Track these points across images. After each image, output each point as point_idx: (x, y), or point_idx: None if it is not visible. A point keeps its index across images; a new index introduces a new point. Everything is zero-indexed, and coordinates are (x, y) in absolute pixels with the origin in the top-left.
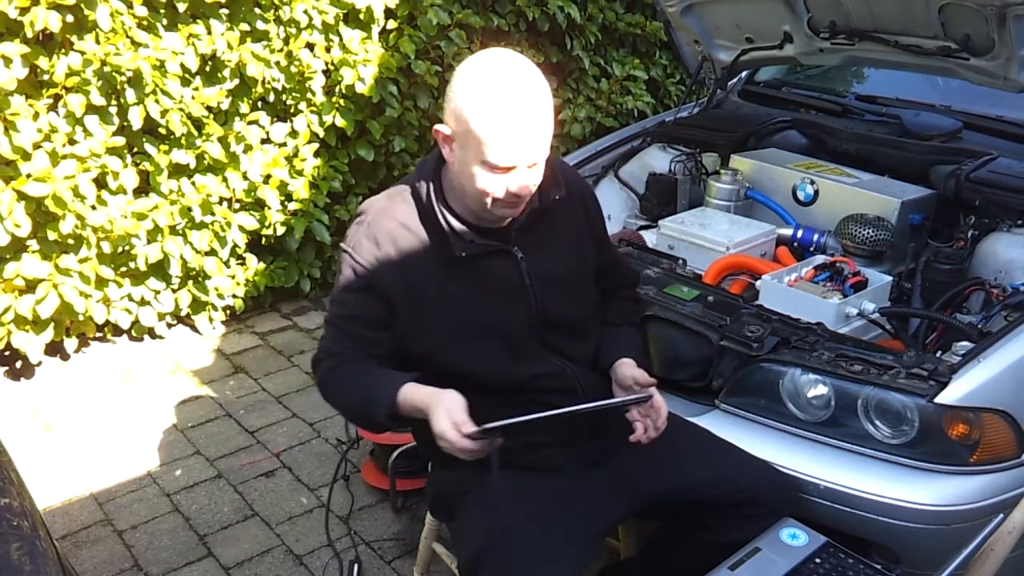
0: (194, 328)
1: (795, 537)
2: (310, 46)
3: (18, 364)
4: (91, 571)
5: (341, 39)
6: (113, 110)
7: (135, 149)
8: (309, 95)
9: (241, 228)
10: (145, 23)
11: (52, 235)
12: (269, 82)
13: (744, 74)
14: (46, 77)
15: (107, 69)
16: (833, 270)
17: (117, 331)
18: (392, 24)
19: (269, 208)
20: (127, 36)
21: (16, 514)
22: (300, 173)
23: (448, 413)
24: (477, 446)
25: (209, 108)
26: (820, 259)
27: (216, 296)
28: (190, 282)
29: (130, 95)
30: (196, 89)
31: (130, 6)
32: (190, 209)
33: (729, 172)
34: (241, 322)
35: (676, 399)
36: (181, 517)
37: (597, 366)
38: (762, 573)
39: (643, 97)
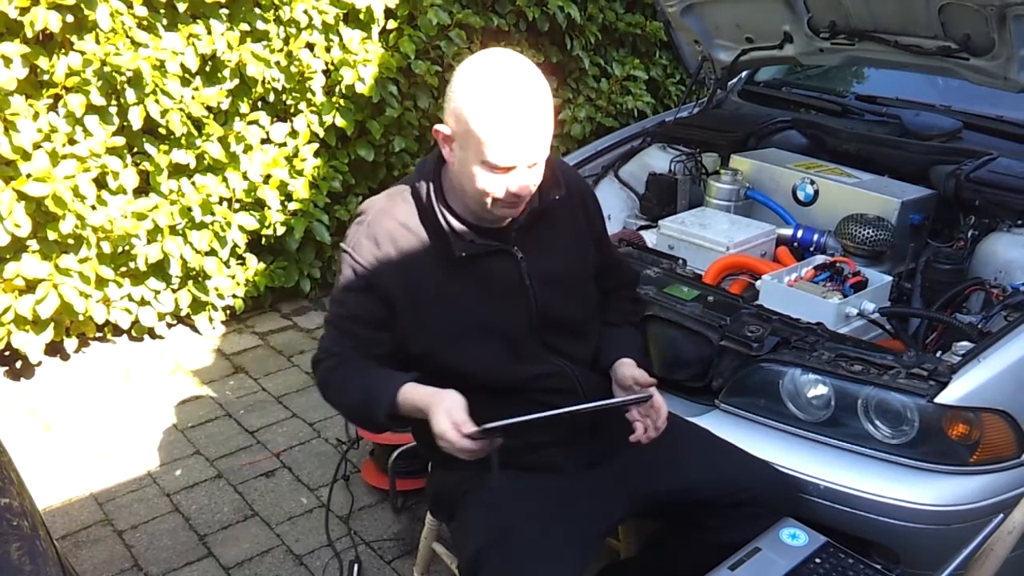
0: (194, 328)
1: (795, 537)
2: (310, 46)
3: (18, 364)
4: (91, 571)
5: (341, 39)
6: (113, 110)
7: (135, 149)
8: (309, 95)
9: (241, 228)
10: (145, 23)
11: (52, 235)
12: (269, 82)
13: (744, 74)
14: (46, 77)
15: (107, 69)
16: (833, 270)
17: (117, 331)
18: (392, 24)
19: (269, 208)
20: (127, 36)
21: (16, 514)
22: (300, 173)
23: (448, 413)
24: (477, 446)
25: (209, 108)
26: (820, 259)
27: (216, 296)
28: (190, 282)
29: (130, 95)
30: (196, 89)
31: (130, 6)
32: (190, 209)
33: (729, 172)
34: (241, 322)
35: (676, 399)
36: (181, 517)
37: (597, 366)
38: (762, 573)
39: (643, 97)
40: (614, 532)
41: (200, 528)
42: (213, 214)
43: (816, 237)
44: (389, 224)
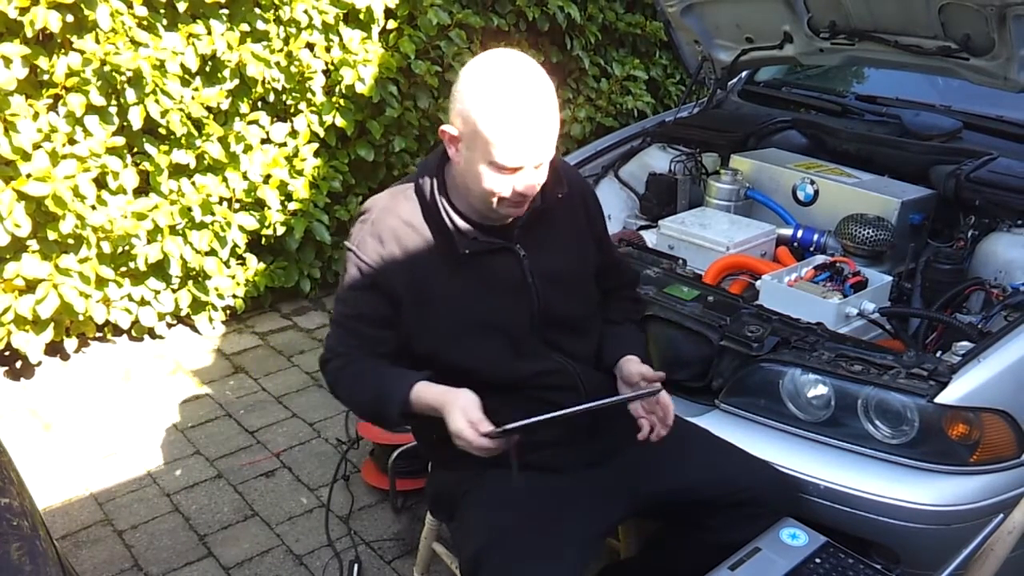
0: (194, 328)
1: (795, 537)
2: (310, 46)
3: (18, 364)
4: (91, 571)
5: (341, 39)
6: (113, 110)
7: (135, 149)
8: (309, 95)
9: (241, 228)
10: (145, 23)
11: (52, 235)
12: (269, 82)
13: (744, 74)
14: (46, 77)
15: (107, 69)
16: (833, 270)
17: (117, 331)
18: (392, 24)
19: (269, 208)
20: (127, 36)
21: (16, 514)
22: (300, 173)
23: (464, 412)
24: (494, 445)
25: (209, 108)
26: (820, 259)
27: (216, 296)
28: (190, 282)
29: (130, 95)
30: (196, 89)
31: (130, 6)
32: (190, 209)
33: (729, 172)
34: (241, 322)
35: (676, 399)
36: (181, 517)
37: (601, 364)
38: (762, 573)
39: (643, 97)
40: (614, 532)
41: (200, 528)
42: (213, 214)
43: (816, 237)
44: (393, 222)
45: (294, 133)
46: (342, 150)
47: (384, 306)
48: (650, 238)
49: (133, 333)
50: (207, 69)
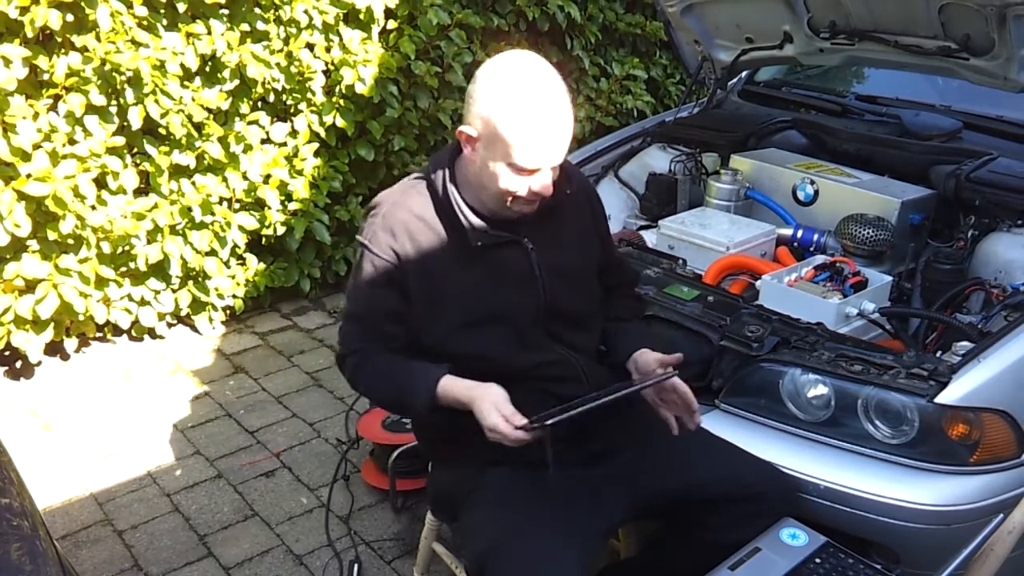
0: (194, 328)
1: (795, 537)
2: (310, 46)
3: (18, 364)
4: (91, 571)
5: (341, 39)
6: (113, 110)
7: (135, 149)
8: (309, 95)
9: (241, 228)
10: (145, 23)
11: (52, 235)
12: (269, 82)
13: (744, 74)
14: (46, 77)
15: (107, 68)
16: (833, 270)
17: (117, 331)
18: (392, 24)
19: (269, 208)
20: (127, 36)
21: (16, 514)
22: (300, 173)
23: (496, 406)
24: (529, 437)
25: (209, 109)
26: (820, 259)
27: (216, 296)
28: (190, 282)
29: (130, 95)
30: (196, 90)
31: (130, 6)
32: (190, 209)
33: (729, 172)
34: (241, 322)
35: None
36: (181, 517)
37: (615, 359)
38: (762, 573)
39: (643, 97)
40: (616, 532)
41: (200, 528)
42: (213, 214)
43: (816, 237)
44: (404, 215)
45: (294, 133)
46: (342, 150)
47: (396, 300)
48: (650, 238)
49: (133, 333)
50: (207, 69)
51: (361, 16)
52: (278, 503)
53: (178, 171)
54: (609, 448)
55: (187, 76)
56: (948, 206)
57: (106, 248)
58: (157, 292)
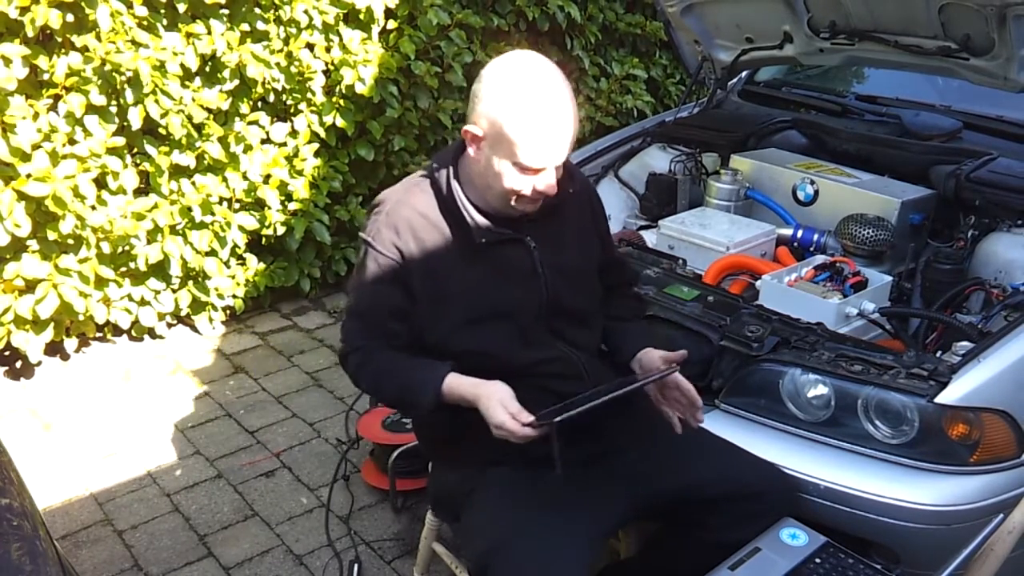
0: (194, 328)
1: (795, 537)
2: (310, 46)
3: (18, 364)
4: (91, 571)
5: (341, 39)
6: (113, 110)
7: (135, 149)
8: (309, 95)
9: (241, 228)
10: (145, 23)
11: (52, 235)
12: (269, 82)
13: (744, 74)
14: (46, 77)
15: (107, 68)
16: (833, 270)
17: (117, 331)
18: (392, 24)
19: (269, 208)
20: (127, 36)
21: (16, 514)
22: (300, 173)
23: (502, 404)
24: (536, 433)
25: (209, 109)
26: (820, 259)
27: (216, 296)
28: (190, 282)
29: (130, 95)
30: (196, 91)
31: (130, 6)
32: (190, 209)
33: (729, 172)
34: (241, 322)
35: None
36: (181, 517)
37: (619, 359)
38: (762, 573)
39: (643, 97)
40: (616, 532)
41: (200, 528)
42: (213, 214)
43: (816, 237)
44: (407, 213)
45: (294, 133)
46: (342, 150)
47: (400, 297)
48: (650, 238)
49: (133, 333)
50: (207, 69)
51: (361, 16)
52: (278, 503)
53: (178, 171)
54: (610, 448)
55: (187, 76)
56: (948, 206)
57: (106, 248)
58: (157, 292)
